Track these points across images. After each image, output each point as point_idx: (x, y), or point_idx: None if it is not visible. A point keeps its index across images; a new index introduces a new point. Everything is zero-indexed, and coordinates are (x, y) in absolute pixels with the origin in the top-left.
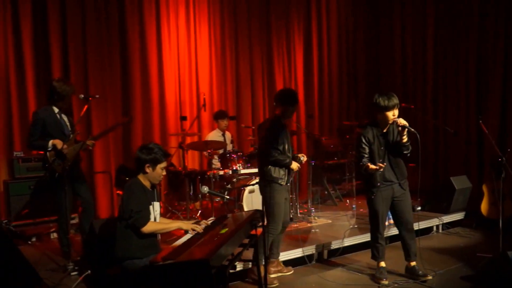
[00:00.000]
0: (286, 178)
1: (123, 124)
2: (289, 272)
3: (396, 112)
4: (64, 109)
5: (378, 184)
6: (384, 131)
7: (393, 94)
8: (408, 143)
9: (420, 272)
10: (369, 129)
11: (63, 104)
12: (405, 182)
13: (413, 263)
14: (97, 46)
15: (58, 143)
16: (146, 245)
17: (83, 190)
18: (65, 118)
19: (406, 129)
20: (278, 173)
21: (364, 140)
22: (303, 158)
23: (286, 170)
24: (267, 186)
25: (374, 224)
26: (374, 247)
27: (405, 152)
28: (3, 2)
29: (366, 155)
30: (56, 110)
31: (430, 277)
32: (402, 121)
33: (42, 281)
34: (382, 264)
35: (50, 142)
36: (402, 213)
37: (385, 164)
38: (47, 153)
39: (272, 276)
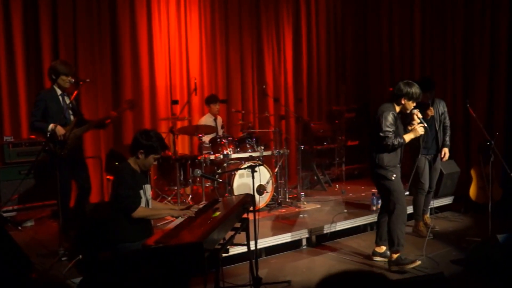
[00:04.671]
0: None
1: (124, 111)
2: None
3: None
4: (67, 90)
5: (399, 164)
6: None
7: None
8: None
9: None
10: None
11: (62, 81)
12: None
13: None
14: (87, 32)
15: (59, 130)
16: (138, 229)
17: (83, 176)
18: (68, 100)
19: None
20: None
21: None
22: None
23: None
24: None
25: (402, 206)
26: (398, 233)
27: None
28: None
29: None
30: (58, 91)
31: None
32: (419, 114)
33: (33, 266)
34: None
35: (50, 126)
36: None
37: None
38: (48, 136)
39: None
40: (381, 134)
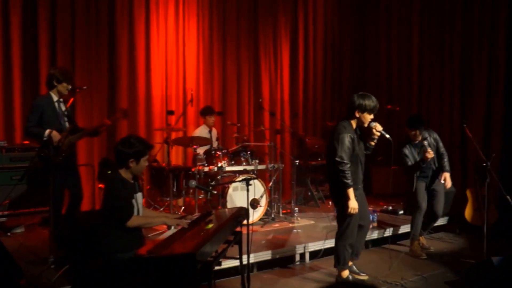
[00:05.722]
0: None
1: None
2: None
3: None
4: (63, 97)
5: (360, 186)
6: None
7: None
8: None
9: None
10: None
11: (62, 88)
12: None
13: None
14: (85, 39)
15: (55, 135)
16: (130, 239)
17: (75, 183)
18: (63, 107)
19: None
20: None
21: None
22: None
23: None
24: None
25: (353, 229)
26: (345, 252)
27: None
28: None
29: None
30: (55, 98)
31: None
32: (379, 126)
33: (23, 273)
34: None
35: (47, 132)
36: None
37: None
38: (44, 141)
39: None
40: (337, 159)
